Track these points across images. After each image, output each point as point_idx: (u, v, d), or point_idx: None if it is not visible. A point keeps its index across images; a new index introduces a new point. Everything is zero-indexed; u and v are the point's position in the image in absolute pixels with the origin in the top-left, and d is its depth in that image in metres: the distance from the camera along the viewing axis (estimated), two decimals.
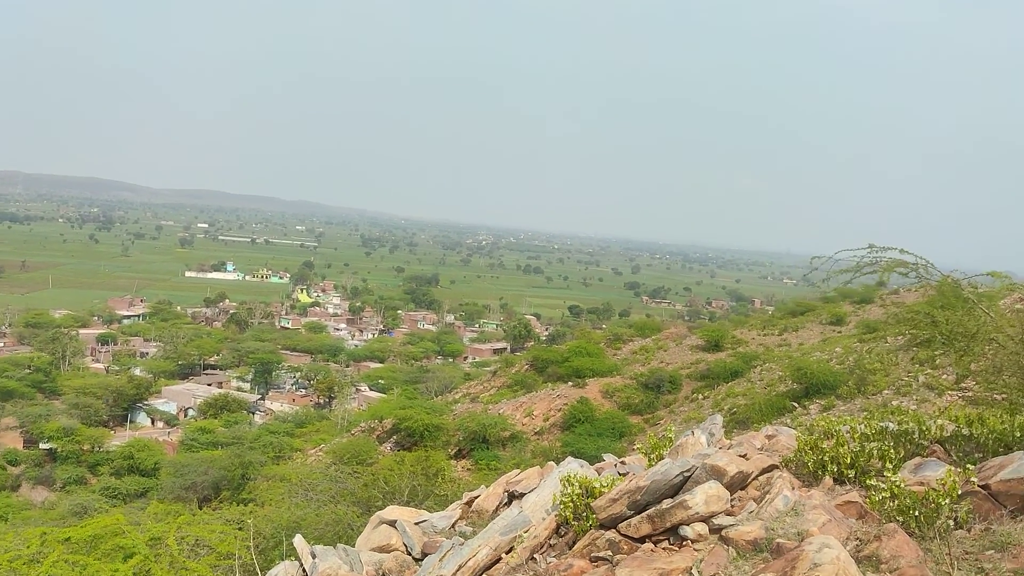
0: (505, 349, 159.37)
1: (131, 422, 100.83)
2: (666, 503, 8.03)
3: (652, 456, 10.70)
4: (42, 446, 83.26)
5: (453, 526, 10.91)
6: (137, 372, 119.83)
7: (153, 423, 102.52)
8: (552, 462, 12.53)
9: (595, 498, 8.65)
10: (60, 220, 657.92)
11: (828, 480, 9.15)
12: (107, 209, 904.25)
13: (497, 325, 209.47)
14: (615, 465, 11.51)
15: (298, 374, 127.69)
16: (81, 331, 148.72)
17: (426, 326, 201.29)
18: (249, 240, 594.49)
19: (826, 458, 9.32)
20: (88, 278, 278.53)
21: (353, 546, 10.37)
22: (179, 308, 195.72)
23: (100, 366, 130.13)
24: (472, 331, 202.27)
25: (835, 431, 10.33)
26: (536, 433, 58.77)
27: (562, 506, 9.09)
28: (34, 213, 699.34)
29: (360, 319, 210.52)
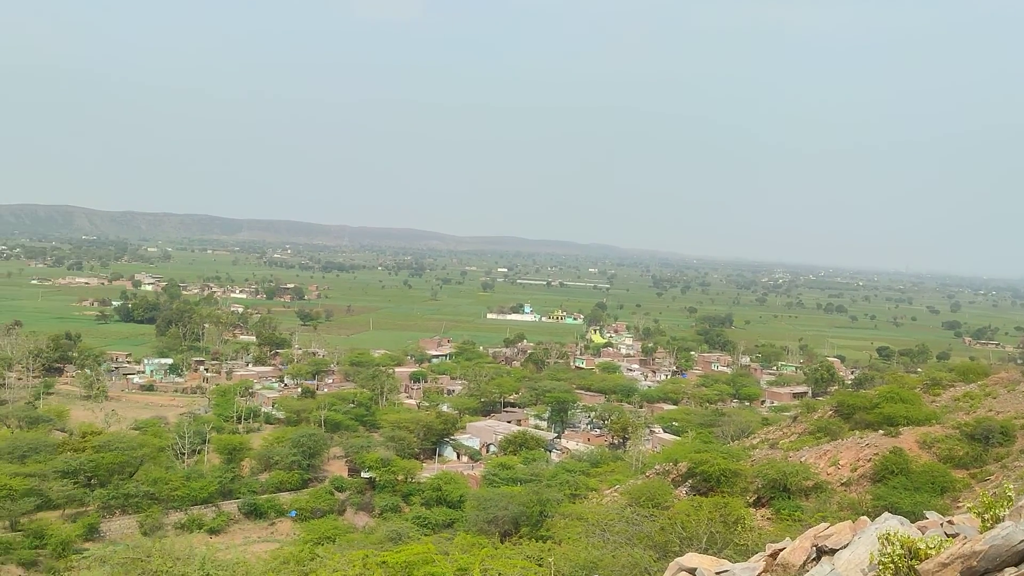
0: (806, 393, 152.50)
1: (439, 455, 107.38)
2: (1009, 572, 7.00)
3: (986, 517, 9.43)
4: (364, 475, 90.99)
5: None
6: (445, 408, 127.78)
7: (459, 457, 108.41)
8: (865, 517, 11.48)
9: (920, 560, 7.76)
10: (379, 268, 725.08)
11: None
12: (418, 257, 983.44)
13: (797, 368, 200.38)
14: (940, 525, 10.30)
15: (592, 414, 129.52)
16: (396, 369, 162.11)
17: (720, 368, 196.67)
18: (545, 283, 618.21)
19: None
20: (402, 320, 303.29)
21: None
22: (481, 348, 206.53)
23: (412, 402, 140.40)
24: (769, 373, 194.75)
25: None
26: (843, 484, 54.93)
27: (881, 567, 8.24)
28: (358, 262, 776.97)
29: (653, 360, 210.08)
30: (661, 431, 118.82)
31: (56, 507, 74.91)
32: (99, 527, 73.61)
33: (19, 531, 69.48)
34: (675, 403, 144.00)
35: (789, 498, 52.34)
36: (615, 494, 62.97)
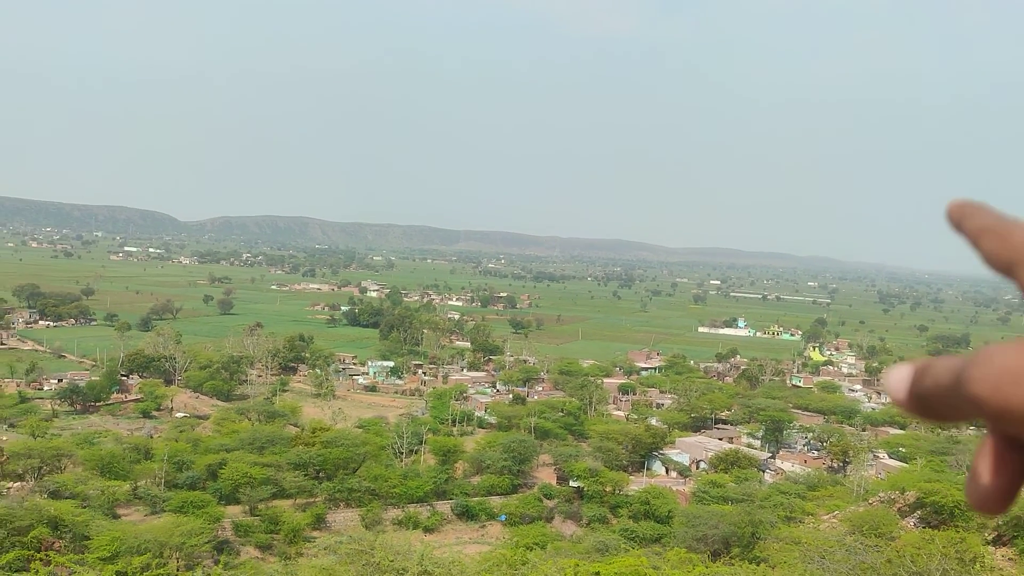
0: None
1: (647, 469, 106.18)
2: None
3: None
4: (572, 484, 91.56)
5: None
6: (653, 422, 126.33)
7: (667, 472, 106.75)
8: None
9: None
10: (589, 278, 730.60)
11: None
12: (628, 268, 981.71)
13: None
14: None
15: (810, 435, 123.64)
16: (605, 380, 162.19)
17: None
18: (760, 296, 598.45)
19: None
20: (611, 331, 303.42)
21: None
22: (692, 362, 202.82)
23: (621, 413, 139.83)
24: None
25: None
26: None
27: None
28: (568, 273, 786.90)
29: (878, 381, 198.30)
30: (886, 456, 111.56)
31: (288, 496, 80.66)
32: (325, 518, 78.56)
33: (257, 516, 75.45)
34: (902, 428, 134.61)
35: None
36: (834, 520, 59.68)
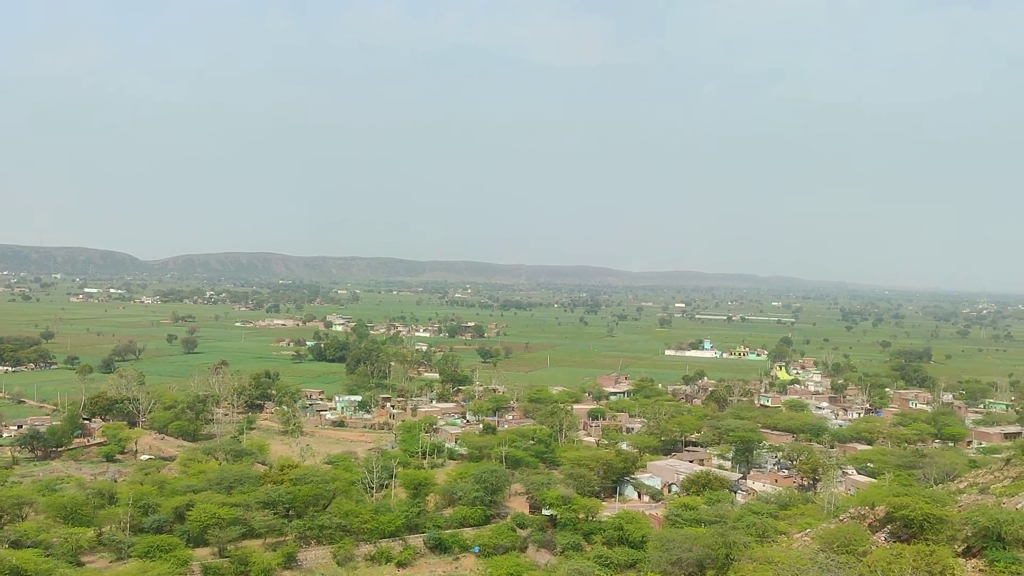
0: (1020, 433, 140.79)
1: (620, 494, 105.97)
2: None
3: None
4: (544, 512, 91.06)
5: None
6: (624, 446, 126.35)
7: (639, 496, 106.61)
8: None
9: None
10: (555, 305, 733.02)
11: None
12: (594, 293, 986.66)
13: (1008, 406, 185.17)
14: None
15: (779, 453, 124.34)
16: (575, 406, 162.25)
17: (919, 405, 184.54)
18: (725, 318, 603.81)
19: None
20: (579, 357, 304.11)
21: None
22: (660, 385, 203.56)
23: (591, 439, 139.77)
24: (976, 412, 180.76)
25: None
26: None
27: None
28: (534, 300, 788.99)
29: (843, 397, 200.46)
30: (855, 472, 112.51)
31: (258, 536, 79.39)
32: (296, 556, 77.31)
33: (226, 557, 74.07)
34: (869, 443, 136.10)
35: (1005, 548, 47.89)
36: (806, 538, 59.95)
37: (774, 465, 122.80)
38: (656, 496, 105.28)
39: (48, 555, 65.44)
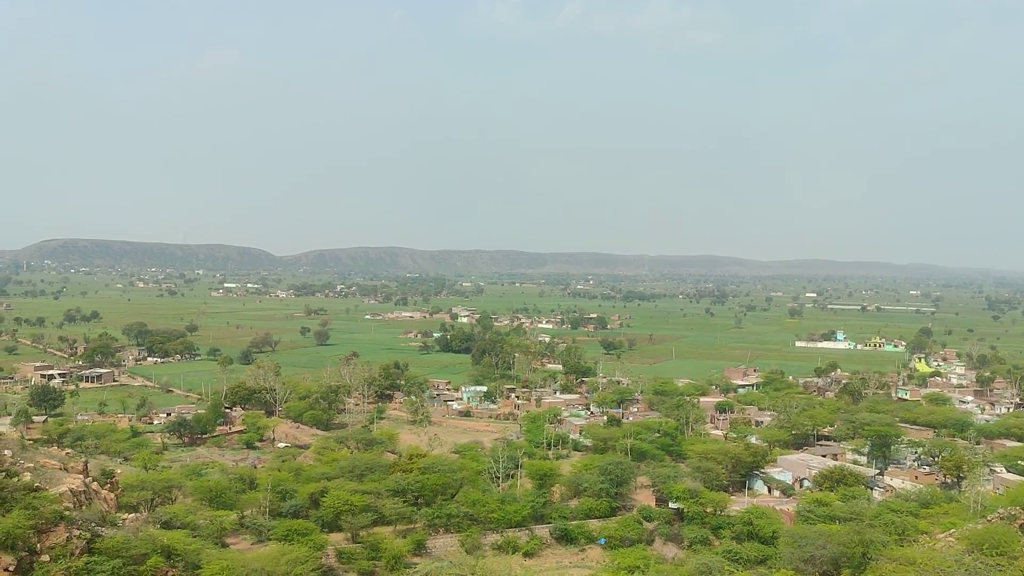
0: None
1: (749, 488, 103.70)
2: None
3: None
4: (671, 505, 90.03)
5: None
6: (753, 440, 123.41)
7: (770, 491, 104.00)
8: None
9: None
10: (680, 296, 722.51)
11: None
12: (720, 284, 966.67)
13: None
14: None
15: (920, 449, 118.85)
16: (701, 399, 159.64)
17: None
18: (859, 308, 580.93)
19: None
20: (705, 349, 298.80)
21: None
22: (790, 377, 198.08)
23: (719, 432, 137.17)
24: None
25: None
26: None
27: None
28: (658, 291, 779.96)
29: (990, 391, 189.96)
30: (1003, 471, 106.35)
31: (389, 523, 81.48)
32: (425, 543, 79.06)
33: (359, 543, 76.40)
34: (1020, 440, 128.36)
35: None
36: (950, 539, 57.09)
37: (914, 461, 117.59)
38: (787, 491, 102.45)
39: (196, 536, 68.95)
